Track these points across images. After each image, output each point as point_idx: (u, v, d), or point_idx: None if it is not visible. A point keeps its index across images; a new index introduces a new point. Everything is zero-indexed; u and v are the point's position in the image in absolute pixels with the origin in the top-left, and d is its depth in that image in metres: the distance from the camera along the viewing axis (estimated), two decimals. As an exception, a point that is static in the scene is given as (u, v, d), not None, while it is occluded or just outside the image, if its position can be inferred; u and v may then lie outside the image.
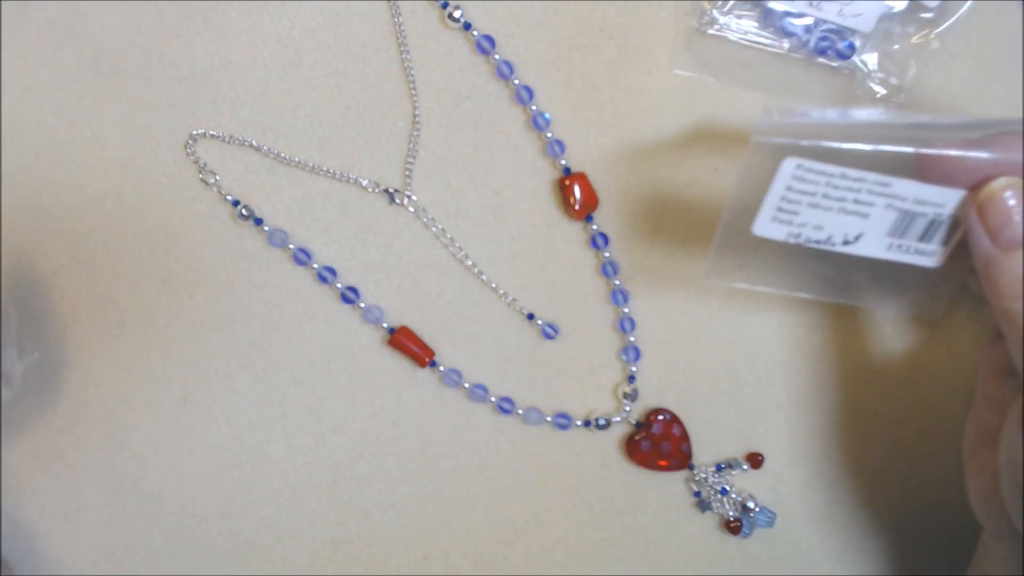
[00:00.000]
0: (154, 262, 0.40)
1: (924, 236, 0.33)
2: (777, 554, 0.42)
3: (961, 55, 0.39)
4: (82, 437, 0.41)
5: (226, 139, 0.40)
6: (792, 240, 0.33)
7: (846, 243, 0.33)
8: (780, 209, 0.32)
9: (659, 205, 0.40)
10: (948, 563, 0.42)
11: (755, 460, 0.41)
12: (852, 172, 0.31)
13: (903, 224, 0.33)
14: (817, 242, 0.33)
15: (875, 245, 0.33)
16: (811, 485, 0.42)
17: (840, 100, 0.39)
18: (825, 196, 0.32)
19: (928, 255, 0.33)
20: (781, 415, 0.41)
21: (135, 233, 0.40)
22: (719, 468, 0.41)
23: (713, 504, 0.41)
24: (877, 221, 0.32)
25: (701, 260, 0.40)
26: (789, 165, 0.31)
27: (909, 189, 0.32)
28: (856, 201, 0.32)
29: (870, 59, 0.39)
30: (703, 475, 0.41)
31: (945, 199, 0.32)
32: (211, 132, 0.40)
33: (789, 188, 0.31)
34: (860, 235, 0.33)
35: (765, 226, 0.32)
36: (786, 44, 0.39)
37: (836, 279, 0.37)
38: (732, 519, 0.41)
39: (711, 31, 0.39)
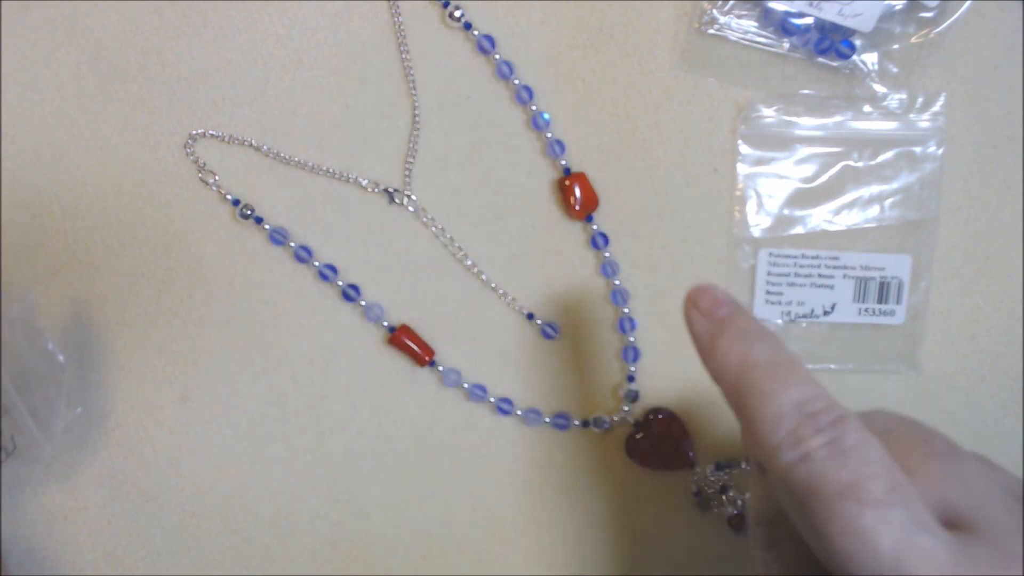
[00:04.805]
0: (154, 261, 0.40)
1: (881, 298, 0.39)
2: (777, 554, 0.42)
3: (961, 55, 0.39)
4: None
5: (226, 139, 0.40)
6: (785, 319, 0.40)
7: (826, 313, 0.39)
8: (768, 292, 0.40)
9: (659, 205, 0.40)
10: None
11: (755, 460, 0.41)
12: (809, 251, 0.39)
13: (861, 289, 0.39)
14: (804, 316, 0.39)
15: (848, 312, 0.40)
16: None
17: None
18: (797, 275, 0.39)
19: (890, 315, 0.40)
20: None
21: (135, 232, 0.40)
22: (719, 467, 0.41)
23: (713, 503, 0.41)
24: (842, 291, 0.39)
25: (701, 260, 0.40)
26: (763, 254, 0.39)
27: (855, 259, 0.39)
28: (820, 276, 0.39)
29: (870, 59, 0.39)
30: (703, 474, 0.41)
31: (885, 262, 0.39)
32: (211, 132, 0.40)
33: (769, 273, 0.39)
34: (834, 304, 0.39)
35: (761, 308, 0.40)
36: (786, 44, 0.39)
37: None
38: (733, 516, 0.41)
39: (711, 31, 0.39)
